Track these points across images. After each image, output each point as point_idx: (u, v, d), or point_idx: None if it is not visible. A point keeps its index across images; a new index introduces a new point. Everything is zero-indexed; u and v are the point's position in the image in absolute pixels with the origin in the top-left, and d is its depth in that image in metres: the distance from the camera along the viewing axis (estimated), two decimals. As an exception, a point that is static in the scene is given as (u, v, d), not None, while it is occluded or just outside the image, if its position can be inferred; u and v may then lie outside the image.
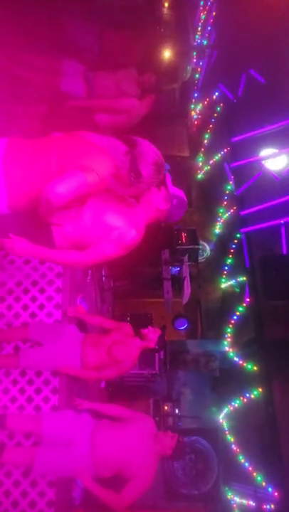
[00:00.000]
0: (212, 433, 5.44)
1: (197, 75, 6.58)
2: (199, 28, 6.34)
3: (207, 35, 6.04)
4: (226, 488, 5.18)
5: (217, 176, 5.97)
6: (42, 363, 3.01)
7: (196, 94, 6.62)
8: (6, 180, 1.97)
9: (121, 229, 2.08)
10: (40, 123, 3.92)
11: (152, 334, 3.03)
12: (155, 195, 2.18)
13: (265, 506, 4.10)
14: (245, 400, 4.85)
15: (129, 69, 4.36)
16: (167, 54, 6.20)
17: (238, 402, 5.02)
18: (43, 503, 2.97)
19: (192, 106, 6.72)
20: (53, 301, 3.54)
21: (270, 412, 4.14)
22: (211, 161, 6.22)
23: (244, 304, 5.04)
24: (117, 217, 2.10)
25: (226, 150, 5.58)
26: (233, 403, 5.15)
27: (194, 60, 6.54)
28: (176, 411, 5.46)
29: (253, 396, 4.65)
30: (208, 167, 6.36)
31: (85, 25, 4.87)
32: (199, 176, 6.63)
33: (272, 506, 3.96)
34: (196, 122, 6.75)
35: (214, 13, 5.65)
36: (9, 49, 4.03)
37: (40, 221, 2.10)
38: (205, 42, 6.14)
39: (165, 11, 6.81)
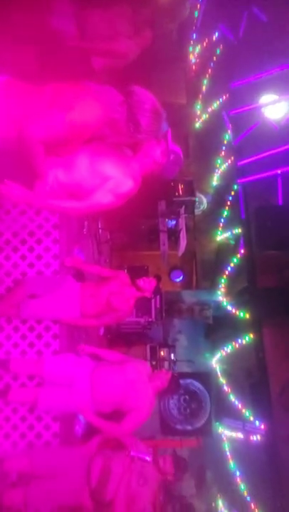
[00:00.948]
0: (205, 376, 5.77)
1: (196, 13, 6.16)
2: None
3: None
4: (217, 423, 5.59)
5: (215, 125, 5.80)
6: (42, 313, 3.14)
7: (194, 36, 6.24)
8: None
9: (117, 178, 2.09)
10: (35, 62, 3.74)
11: (147, 284, 3.13)
12: (154, 147, 2.17)
13: (252, 438, 4.46)
14: (237, 346, 5.09)
15: (122, 6, 4.08)
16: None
17: (230, 347, 5.27)
18: (49, 434, 3.22)
19: (190, 48, 6.37)
20: (50, 252, 3.60)
21: (260, 356, 4.36)
22: (210, 109, 6.01)
23: (238, 256, 5.13)
24: (113, 167, 2.11)
25: (224, 97, 5.38)
26: (225, 348, 5.42)
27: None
28: (172, 356, 5.74)
29: (244, 342, 4.88)
30: (206, 115, 6.16)
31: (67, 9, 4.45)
32: (197, 125, 6.44)
33: (259, 438, 4.31)
34: (194, 67, 6.43)
35: None
36: None
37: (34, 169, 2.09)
38: (205, -25, 5.69)
39: None
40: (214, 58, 5.62)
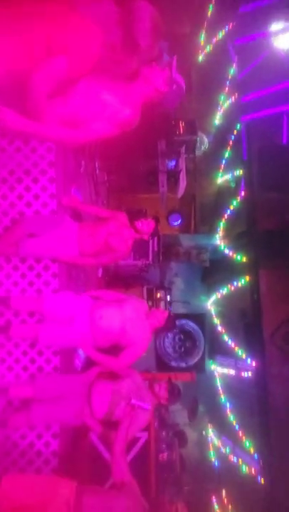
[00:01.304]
0: (200, 317, 5.97)
1: None
2: None
3: None
4: (211, 361, 5.88)
5: (219, 58, 5.43)
6: (41, 251, 3.13)
7: None
8: None
9: (115, 105, 1.98)
10: None
11: (146, 226, 3.10)
12: (157, 74, 2.03)
13: (243, 374, 4.70)
14: (232, 288, 5.19)
15: None
16: None
17: (225, 289, 5.38)
18: (50, 367, 3.37)
19: None
20: (47, 191, 3.51)
21: (255, 298, 4.47)
22: (214, 40, 5.59)
23: (238, 198, 5.06)
24: (111, 94, 1.99)
25: (231, 25, 4.97)
26: (221, 291, 5.53)
27: None
28: (168, 297, 5.88)
29: (240, 284, 4.97)
30: (211, 47, 5.74)
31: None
32: (200, 58, 6.02)
33: (250, 374, 4.55)
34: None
35: None
36: None
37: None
38: None
39: None
40: (222, -21, 5.11)
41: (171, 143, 5.37)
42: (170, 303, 5.79)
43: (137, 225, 3.05)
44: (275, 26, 3.92)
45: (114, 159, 5.44)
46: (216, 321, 5.65)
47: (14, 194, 3.49)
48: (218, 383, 5.56)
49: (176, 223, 6.83)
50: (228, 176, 5.69)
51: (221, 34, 5.38)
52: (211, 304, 5.88)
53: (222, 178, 5.88)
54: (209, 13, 5.54)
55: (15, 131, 2.08)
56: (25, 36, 1.79)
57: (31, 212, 3.49)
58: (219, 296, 5.64)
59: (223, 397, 5.31)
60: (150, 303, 5.65)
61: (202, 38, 5.94)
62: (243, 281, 4.88)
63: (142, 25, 1.83)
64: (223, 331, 5.37)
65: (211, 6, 5.44)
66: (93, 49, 1.85)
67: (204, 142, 6.00)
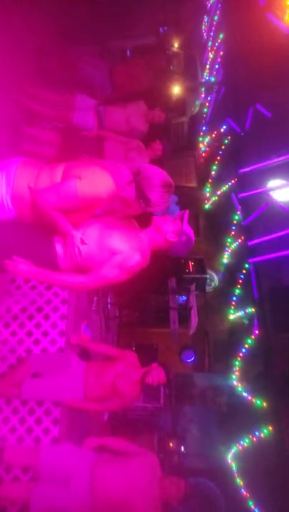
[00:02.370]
0: (220, 475, 5.16)
1: (205, 110, 6.77)
2: (208, 66, 6.58)
3: (215, 72, 6.26)
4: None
5: (225, 206, 5.99)
6: (44, 394, 2.94)
7: (204, 128, 6.77)
8: (16, 183, 2.03)
9: (125, 253, 2.06)
10: (54, 150, 4.02)
11: (156, 379, 2.94)
12: (168, 225, 2.14)
13: None
14: (254, 439, 4.62)
15: (139, 102, 4.49)
16: (176, 89, 6.42)
17: (247, 441, 4.78)
18: None
19: (200, 138, 6.87)
20: (57, 328, 3.49)
21: (281, 454, 3.91)
22: (219, 192, 6.27)
23: (253, 337, 4.90)
24: (121, 241, 2.08)
25: (233, 181, 5.63)
26: (241, 442, 4.91)
27: (203, 96, 6.76)
28: (182, 448, 5.22)
29: (262, 435, 4.43)
30: (216, 197, 6.41)
31: (98, 63, 5.10)
32: (207, 206, 6.67)
33: None
34: (203, 154, 6.88)
35: (222, 53, 5.87)
36: (24, 84, 4.22)
37: (45, 241, 2.10)
38: (213, 79, 6.35)
39: (175, 50, 7.14)
40: (222, 147, 6.00)
41: (181, 280, 5.53)
42: (184, 456, 5.11)
43: (147, 380, 2.88)
44: (273, 183, 4.42)
45: (126, 295, 5.55)
46: (239, 481, 4.86)
47: (23, 331, 3.47)
48: None
49: (189, 360, 6.53)
50: (240, 313, 5.65)
51: (224, 188, 6.05)
52: (231, 458, 5.16)
53: (234, 315, 5.84)
54: (213, 172, 6.37)
55: (27, 279, 2.17)
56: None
57: (38, 349, 3.41)
58: (240, 448, 4.98)
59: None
60: (161, 455, 4.99)
61: (208, 190, 6.69)
62: (266, 431, 4.36)
63: (151, 182, 2.06)
64: (248, 495, 4.56)
65: (214, 167, 6.29)
66: (104, 192, 2.05)
67: (214, 279, 6.18)
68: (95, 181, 2.00)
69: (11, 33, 4.07)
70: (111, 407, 3.09)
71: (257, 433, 4.55)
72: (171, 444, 5.25)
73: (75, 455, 2.62)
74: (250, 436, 4.68)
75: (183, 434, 5.53)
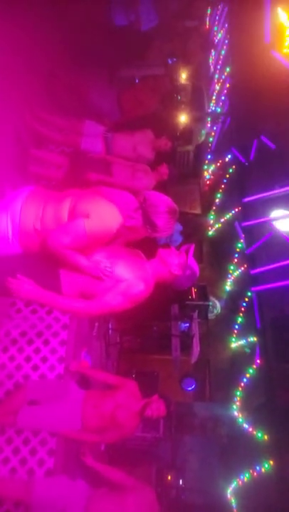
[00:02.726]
0: (219, 511, 4.98)
1: (211, 139, 6.91)
2: (214, 97, 6.76)
3: (221, 103, 6.43)
4: None
5: (228, 234, 6.02)
6: (40, 423, 2.89)
7: (209, 156, 6.89)
8: (22, 219, 2.04)
9: (129, 281, 2.07)
10: (61, 173, 4.09)
11: (156, 413, 2.90)
12: (173, 257, 2.16)
13: None
14: (255, 474, 4.47)
15: (146, 131, 4.60)
16: (183, 118, 6.58)
17: (247, 475, 4.64)
18: None
19: (205, 167, 6.98)
20: (56, 354, 3.45)
21: (283, 490, 3.78)
22: (223, 219, 6.31)
23: (254, 366, 4.83)
24: (126, 270, 2.10)
25: (237, 209, 5.67)
26: (242, 476, 4.76)
27: (208, 125, 6.91)
28: (180, 482, 5.06)
29: (263, 469, 4.30)
30: (220, 225, 6.45)
31: (106, 91, 5.25)
32: (210, 233, 6.71)
33: None
34: (208, 182, 6.97)
35: (228, 85, 6.04)
36: (34, 108, 4.33)
37: (49, 267, 2.11)
38: (219, 110, 6.51)
39: (182, 81, 7.36)
40: (227, 176, 6.09)
41: (184, 307, 5.50)
42: (183, 490, 4.94)
43: (147, 413, 2.84)
44: (276, 213, 4.45)
45: (127, 321, 5.52)
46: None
47: (22, 356, 3.44)
48: None
49: (190, 389, 6.41)
50: (242, 341, 5.58)
51: (228, 215, 6.10)
52: (230, 493, 4.99)
53: (236, 343, 5.77)
54: (217, 200, 6.44)
55: (30, 300, 2.17)
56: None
57: (37, 375, 3.36)
58: (240, 483, 4.82)
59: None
60: (159, 489, 4.83)
61: (212, 217, 6.74)
62: (267, 465, 4.23)
63: (157, 209, 2.08)
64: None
65: (218, 195, 6.36)
66: (112, 227, 2.07)
67: (217, 306, 6.14)
68: (103, 217, 2.03)
69: (22, 55, 4.20)
70: (109, 439, 3.02)
71: (258, 467, 4.41)
72: (169, 477, 5.10)
73: (70, 489, 2.55)
74: (251, 471, 4.54)
75: (182, 466, 5.37)
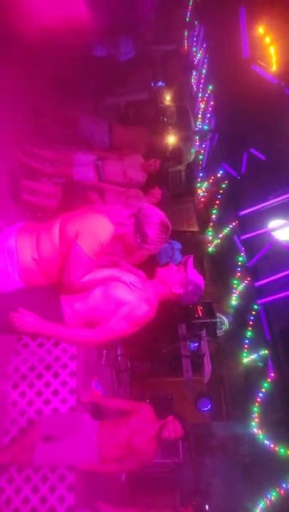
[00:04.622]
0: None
1: (201, 156, 7.01)
2: (200, 116, 6.91)
3: (207, 121, 6.56)
4: None
5: (228, 249, 6.03)
6: (57, 459, 2.83)
7: (201, 174, 6.98)
8: (19, 253, 2.05)
9: (132, 303, 2.04)
10: (55, 202, 4.13)
11: (173, 434, 2.85)
12: (172, 275, 2.12)
13: None
14: (282, 492, 4.32)
15: (135, 155, 4.69)
16: (171, 140, 6.70)
17: (274, 494, 4.48)
18: None
19: (198, 184, 7.06)
20: (67, 386, 3.41)
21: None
22: (221, 235, 6.33)
23: (269, 380, 4.74)
24: (128, 291, 2.06)
25: (234, 223, 5.70)
26: (268, 496, 4.60)
27: (197, 144, 7.03)
28: (207, 507, 4.88)
29: (290, 487, 4.16)
30: (218, 240, 6.46)
31: (95, 119, 5.37)
32: (210, 249, 6.71)
33: None
34: (202, 199, 7.03)
35: (212, 102, 6.18)
36: (23, 144, 4.42)
37: (50, 298, 2.10)
38: (206, 127, 6.64)
39: (167, 103, 7.55)
40: (221, 191, 6.15)
41: (191, 326, 5.44)
42: (209, 516, 4.77)
43: (164, 435, 2.78)
44: (274, 223, 4.47)
45: (136, 345, 5.45)
46: None
47: (33, 391, 3.40)
48: None
49: (205, 409, 6.28)
50: (254, 356, 5.50)
51: (226, 230, 6.12)
52: (259, 514, 4.80)
53: (248, 358, 5.68)
54: (213, 216, 6.47)
55: (34, 333, 2.14)
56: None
57: (49, 410, 3.31)
58: (268, 502, 4.65)
59: None
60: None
61: (210, 233, 6.76)
62: (293, 482, 4.10)
63: (150, 219, 2.06)
64: None
65: (214, 211, 6.40)
66: (104, 236, 2.04)
67: (224, 322, 6.08)
68: (92, 229, 1.99)
69: (7, 93, 4.30)
70: (129, 467, 2.95)
71: (284, 485, 4.27)
72: (194, 503, 4.92)
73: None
74: (277, 489, 4.39)
75: (206, 490, 5.20)
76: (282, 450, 4.36)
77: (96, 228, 2.00)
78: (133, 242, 2.08)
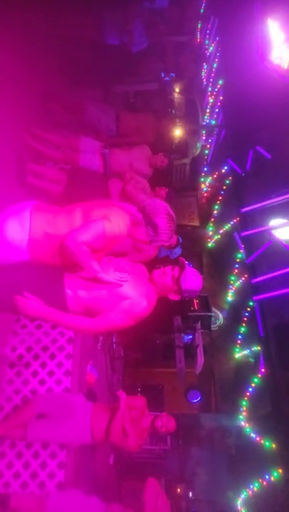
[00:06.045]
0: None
1: (207, 151, 7.03)
2: (208, 110, 6.91)
3: (215, 116, 6.57)
4: None
5: (227, 245, 6.08)
6: (50, 436, 2.91)
7: (205, 169, 7.01)
8: (32, 224, 2.10)
9: (133, 299, 2.10)
10: (60, 188, 4.15)
11: (165, 426, 2.94)
12: (165, 282, 2.16)
13: None
14: (264, 483, 4.45)
15: (143, 147, 4.69)
16: (178, 132, 6.71)
17: (256, 485, 4.61)
18: None
19: (202, 179, 7.10)
20: (62, 368, 3.49)
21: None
22: (221, 231, 6.39)
23: (259, 375, 4.84)
24: (130, 287, 2.12)
25: (235, 220, 5.75)
26: (251, 486, 4.73)
27: (204, 138, 7.04)
28: (190, 494, 5.02)
29: (273, 478, 4.28)
30: (219, 236, 6.52)
31: (103, 107, 5.36)
32: (210, 245, 6.77)
33: None
34: (205, 194, 7.07)
35: (221, 97, 6.19)
36: (31, 127, 4.42)
37: (55, 282, 2.15)
38: (213, 122, 6.65)
39: (176, 95, 7.53)
40: (224, 187, 6.19)
41: (187, 318, 5.53)
42: (193, 502, 4.91)
43: (156, 424, 2.88)
44: (274, 222, 4.53)
45: (131, 334, 5.53)
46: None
47: (29, 371, 3.47)
48: None
49: (195, 401, 6.40)
50: (246, 351, 5.60)
51: (227, 226, 6.18)
52: (240, 503, 4.94)
53: (240, 353, 5.78)
54: (215, 212, 6.52)
55: (35, 317, 2.20)
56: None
57: (44, 390, 3.39)
58: (250, 493, 4.78)
59: None
60: (170, 501, 4.78)
61: (210, 229, 6.82)
62: (276, 474, 4.21)
63: (157, 210, 2.15)
64: None
65: (216, 206, 6.45)
66: (125, 230, 2.13)
67: (219, 317, 6.17)
68: (119, 222, 2.10)
69: (17, 77, 4.31)
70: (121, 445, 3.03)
71: (267, 476, 4.39)
72: (178, 490, 5.06)
73: (83, 504, 2.55)
74: (260, 480, 4.51)
75: (191, 478, 5.34)
76: (267, 443, 4.47)
77: (122, 223, 2.11)
78: (145, 236, 2.16)
